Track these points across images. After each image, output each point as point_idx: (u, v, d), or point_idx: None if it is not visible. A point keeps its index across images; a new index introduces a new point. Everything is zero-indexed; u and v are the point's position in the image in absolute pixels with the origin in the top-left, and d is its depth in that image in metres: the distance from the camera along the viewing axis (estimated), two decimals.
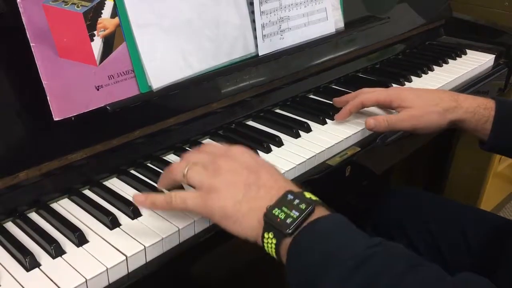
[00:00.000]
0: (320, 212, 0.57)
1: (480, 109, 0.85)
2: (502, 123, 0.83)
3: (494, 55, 1.30)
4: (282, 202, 0.57)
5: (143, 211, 0.68)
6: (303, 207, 0.56)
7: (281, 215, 0.56)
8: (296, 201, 0.57)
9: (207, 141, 0.87)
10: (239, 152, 0.64)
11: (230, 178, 0.60)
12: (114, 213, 0.67)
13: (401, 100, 0.87)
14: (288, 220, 0.55)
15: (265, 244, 0.57)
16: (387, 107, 0.92)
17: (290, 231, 0.55)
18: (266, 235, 0.57)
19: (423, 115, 0.85)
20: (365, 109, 0.93)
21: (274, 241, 0.56)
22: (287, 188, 0.59)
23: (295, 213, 0.56)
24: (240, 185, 0.59)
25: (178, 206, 0.61)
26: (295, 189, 0.60)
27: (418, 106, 0.86)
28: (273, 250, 0.57)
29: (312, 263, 0.53)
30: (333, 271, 0.52)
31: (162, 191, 0.69)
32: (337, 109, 0.96)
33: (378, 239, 0.55)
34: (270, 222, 0.56)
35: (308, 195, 0.58)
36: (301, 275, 0.55)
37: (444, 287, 0.50)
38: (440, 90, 0.92)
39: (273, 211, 0.57)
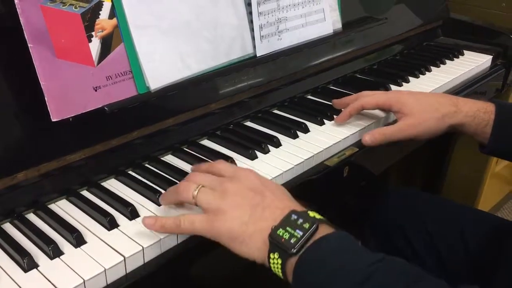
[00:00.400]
0: (324, 230, 0.57)
1: (480, 113, 0.85)
2: (502, 126, 0.83)
3: (492, 56, 1.30)
4: (286, 222, 0.58)
5: (141, 212, 0.68)
6: (307, 226, 0.57)
7: (286, 235, 0.57)
8: (300, 220, 0.58)
9: (205, 141, 0.87)
10: (245, 174, 0.65)
11: (236, 200, 0.61)
12: (112, 214, 0.67)
13: (401, 104, 0.86)
14: (293, 240, 0.56)
15: (271, 265, 0.58)
16: (386, 111, 0.92)
17: (294, 250, 0.55)
18: (271, 256, 0.57)
19: (422, 122, 0.85)
20: (364, 110, 0.94)
21: (279, 261, 0.57)
22: (291, 208, 0.60)
23: (299, 233, 0.56)
24: (246, 207, 0.60)
25: (186, 229, 0.62)
26: (299, 208, 0.61)
27: (416, 113, 0.85)
28: (279, 271, 0.57)
29: (317, 282, 0.54)
30: None
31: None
32: (335, 110, 0.96)
33: (381, 255, 0.55)
34: (275, 243, 0.57)
35: (312, 214, 0.59)
36: None
37: None
38: (439, 94, 0.92)
39: (278, 232, 0.57)
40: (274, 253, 0.57)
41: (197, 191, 0.62)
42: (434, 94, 0.91)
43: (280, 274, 0.58)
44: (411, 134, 0.86)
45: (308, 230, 0.56)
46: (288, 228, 0.57)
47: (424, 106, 0.85)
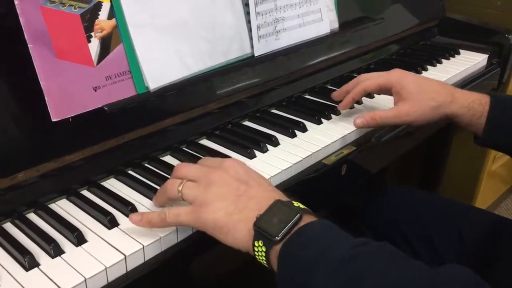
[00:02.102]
0: (308, 219, 0.58)
1: (474, 105, 0.85)
2: (496, 118, 0.84)
3: (487, 55, 1.31)
4: (271, 211, 0.59)
5: (140, 210, 0.68)
6: (291, 215, 0.58)
7: (270, 223, 0.57)
8: (285, 209, 0.58)
9: (204, 141, 0.88)
10: (231, 164, 0.65)
11: (221, 190, 0.61)
12: (112, 212, 0.67)
13: (401, 86, 0.87)
14: (277, 228, 0.57)
15: (256, 253, 0.58)
16: (386, 91, 0.92)
17: (278, 238, 0.56)
18: (256, 244, 0.58)
19: (417, 110, 0.85)
20: (359, 107, 0.94)
21: (263, 249, 0.57)
22: (276, 198, 0.61)
23: (283, 221, 0.57)
24: (231, 196, 0.61)
25: (172, 222, 0.62)
26: (284, 198, 0.61)
27: (413, 99, 0.86)
28: (264, 258, 0.58)
29: (301, 266, 0.55)
30: (320, 271, 0.53)
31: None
32: (333, 109, 0.97)
33: (365, 239, 0.56)
34: (259, 231, 0.58)
35: (296, 204, 0.60)
36: (291, 280, 0.56)
37: (427, 279, 0.51)
38: (439, 82, 0.91)
39: (262, 220, 0.58)
40: (258, 241, 0.58)
41: (181, 186, 0.63)
42: (435, 81, 0.91)
43: (265, 262, 0.58)
44: (404, 120, 0.87)
45: (292, 218, 0.57)
46: (272, 217, 0.58)
47: (422, 93, 0.86)
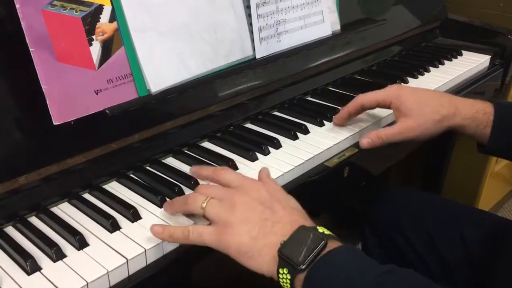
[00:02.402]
0: (333, 244, 0.58)
1: (479, 115, 0.84)
2: (501, 128, 0.83)
3: (490, 56, 1.31)
4: (295, 237, 0.58)
5: (142, 214, 0.68)
6: (316, 242, 0.57)
7: (295, 250, 0.57)
8: (309, 236, 0.58)
9: (205, 144, 0.88)
10: (255, 186, 0.65)
11: (245, 213, 0.61)
12: (114, 216, 0.67)
13: (400, 102, 0.85)
14: (302, 256, 0.56)
15: (281, 280, 0.58)
16: (386, 107, 0.91)
17: (303, 266, 0.56)
18: (281, 271, 0.57)
19: (420, 125, 0.84)
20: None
21: (288, 276, 0.57)
22: (300, 223, 0.60)
23: (308, 249, 0.56)
24: (255, 220, 0.60)
25: (194, 240, 0.62)
26: (309, 223, 0.61)
27: (415, 115, 0.84)
28: (289, 286, 0.57)
29: None
30: None
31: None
32: (335, 111, 0.96)
33: (391, 266, 0.56)
34: (284, 258, 0.57)
35: (321, 229, 0.59)
36: None
37: None
38: (440, 93, 0.90)
39: (287, 247, 0.57)
40: (283, 269, 0.57)
41: (205, 203, 0.62)
42: (435, 93, 0.90)
43: None
44: (409, 136, 0.85)
45: (317, 246, 0.56)
46: (297, 244, 0.57)
47: (423, 108, 0.84)
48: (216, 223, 0.61)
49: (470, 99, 0.89)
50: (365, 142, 0.86)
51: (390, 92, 0.88)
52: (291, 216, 0.61)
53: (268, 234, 0.59)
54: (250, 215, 0.60)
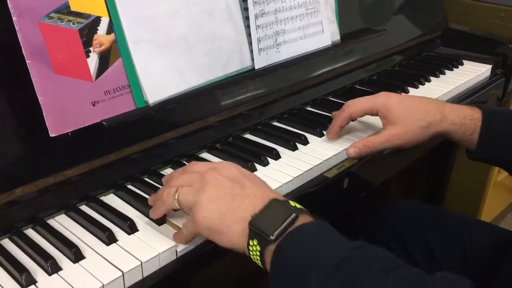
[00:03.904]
0: (304, 219, 0.58)
1: (466, 121, 0.84)
2: (489, 134, 0.83)
3: (491, 65, 1.30)
4: (266, 210, 0.58)
5: (139, 226, 0.68)
6: (287, 214, 0.57)
7: (265, 222, 0.57)
8: (280, 208, 0.58)
9: (204, 154, 0.87)
10: (225, 166, 0.65)
11: (214, 192, 0.61)
12: (111, 228, 0.67)
13: (387, 110, 0.85)
14: (272, 227, 0.56)
15: (251, 252, 0.58)
16: (374, 115, 0.90)
17: (273, 237, 0.56)
18: (251, 243, 0.57)
19: (407, 132, 0.84)
20: (362, 119, 0.93)
21: (258, 248, 0.57)
22: (271, 197, 0.60)
23: (279, 220, 0.57)
24: (225, 197, 0.60)
25: (187, 234, 0.63)
26: (280, 198, 0.61)
27: (402, 122, 0.84)
28: (258, 258, 0.57)
29: (295, 267, 0.54)
30: (315, 273, 0.52)
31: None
32: None
33: (360, 242, 0.56)
34: (254, 230, 0.57)
35: (292, 203, 0.59)
36: (284, 280, 0.55)
37: (424, 286, 0.50)
38: (427, 100, 0.89)
39: (257, 219, 0.58)
40: (253, 240, 0.57)
41: (177, 194, 0.62)
42: (421, 99, 0.89)
43: (259, 262, 0.58)
44: (396, 144, 0.85)
45: (288, 217, 0.57)
46: (268, 216, 0.57)
47: (409, 115, 0.84)
48: (190, 209, 0.62)
49: (458, 105, 0.88)
50: (351, 151, 0.85)
51: (376, 100, 0.88)
52: (262, 191, 0.62)
53: (238, 209, 0.59)
54: (220, 192, 0.61)
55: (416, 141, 0.85)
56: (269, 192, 0.62)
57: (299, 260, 0.54)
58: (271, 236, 0.56)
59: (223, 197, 0.60)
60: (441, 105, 0.86)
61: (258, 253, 0.57)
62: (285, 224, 0.56)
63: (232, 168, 0.64)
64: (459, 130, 0.84)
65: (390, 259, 0.54)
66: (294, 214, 0.57)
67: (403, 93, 0.91)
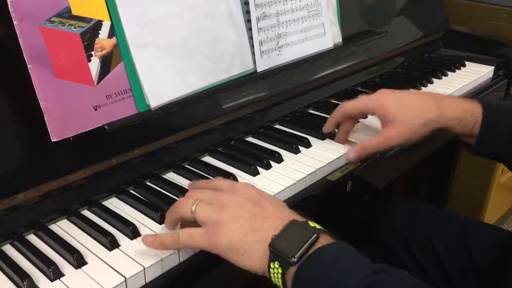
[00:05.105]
0: (325, 240, 0.57)
1: (466, 115, 0.83)
2: (489, 128, 0.82)
3: (493, 67, 1.30)
4: (286, 231, 0.58)
5: (142, 231, 0.67)
6: (308, 236, 0.56)
7: (286, 244, 0.56)
8: (301, 230, 0.57)
9: (206, 158, 0.87)
10: (243, 187, 0.65)
11: (235, 211, 0.60)
12: (113, 233, 0.66)
13: (384, 110, 0.84)
14: (293, 249, 0.56)
15: (272, 275, 0.57)
16: (369, 114, 0.90)
17: (295, 259, 0.55)
18: (272, 265, 0.57)
19: (405, 130, 0.83)
20: (364, 121, 0.93)
21: (279, 270, 0.56)
22: (291, 218, 0.59)
23: (299, 242, 0.56)
24: (245, 217, 0.60)
25: (185, 243, 0.61)
26: (299, 218, 0.60)
27: (399, 121, 0.83)
28: (280, 280, 0.57)
29: None
30: None
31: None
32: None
33: (382, 265, 0.55)
34: (275, 252, 0.56)
35: (312, 224, 0.59)
36: None
37: None
38: (424, 95, 0.88)
39: (278, 241, 0.57)
40: (274, 262, 0.56)
41: (195, 206, 0.62)
42: (418, 95, 0.88)
43: (280, 284, 0.57)
44: (394, 144, 0.84)
45: (309, 239, 0.56)
46: (288, 237, 0.57)
47: (406, 113, 0.83)
48: (206, 224, 0.61)
49: (458, 99, 0.87)
50: (350, 155, 0.85)
51: (372, 100, 0.86)
52: (281, 212, 0.61)
53: (259, 229, 0.59)
54: (240, 213, 0.60)
55: (415, 139, 0.84)
56: (288, 213, 0.62)
57: (321, 284, 0.54)
58: (292, 258, 0.55)
59: (243, 217, 0.60)
60: (439, 100, 0.85)
61: (279, 275, 0.56)
62: (306, 245, 0.56)
63: (249, 189, 0.64)
64: (458, 124, 0.83)
65: (410, 283, 0.54)
66: (315, 235, 0.56)
67: (399, 90, 0.90)
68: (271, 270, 0.57)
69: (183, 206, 0.63)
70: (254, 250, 0.58)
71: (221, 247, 0.59)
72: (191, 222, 0.63)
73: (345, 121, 0.90)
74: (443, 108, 0.83)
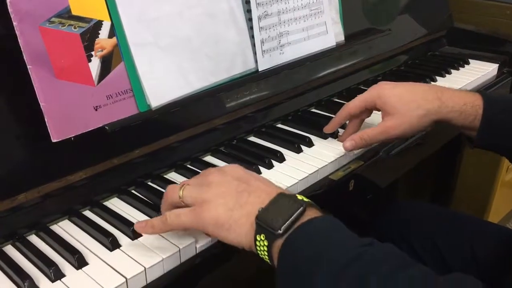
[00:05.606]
0: (312, 213, 0.57)
1: (467, 107, 0.81)
2: (490, 121, 0.81)
3: (498, 64, 1.29)
4: (273, 204, 0.58)
5: None
6: (295, 208, 0.56)
7: (272, 216, 0.56)
8: (288, 202, 0.57)
9: (208, 158, 0.87)
10: (230, 167, 0.65)
11: (220, 189, 0.61)
12: (114, 234, 0.66)
13: (383, 102, 0.83)
14: (279, 221, 0.55)
15: (258, 248, 0.57)
16: (372, 108, 0.88)
17: (281, 231, 0.55)
18: (258, 238, 0.57)
19: (405, 121, 0.82)
20: (371, 119, 0.92)
21: (265, 243, 0.56)
22: (278, 191, 0.60)
23: (286, 214, 0.56)
24: (231, 193, 0.60)
25: (173, 223, 0.62)
26: (287, 192, 0.60)
27: (398, 112, 0.82)
28: (265, 253, 0.57)
29: (303, 263, 0.53)
30: (324, 270, 0.52)
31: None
32: None
33: (370, 239, 0.55)
34: (261, 224, 0.56)
35: (300, 197, 0.59)
36: (291, 276, 0.54)
37: (434, 286, 0.49)
38: (424, 86, 0.87)
39: (264, 213, 0.57)
40: (260, 235, 0.56)
41: (181, 191, 0.62)
42: (418, 86, 0.87)
43: (266, 257, 0.57)
44: (393, 135, 0.83)
45: (296, 211, 0.56)
46: (275, 210, 0.57)
47: (406, 104, 0.82)
48: (193, 204, 0.61)
49: (459, 91, 0.86)
50: (348, 144, 0.84)
51: (371, 92, 0.86)
52: (268, 187, 0.61)
53: (244, 204, 0.59)
54: (226, 190, 0.60)
55: (415, 130, 0.83)
56: (276, 188, 0.62)
57: (307, 257, 0.53)
58: (278, 230, 0.55)
59: (229, 193, 0.60)
60: (439, 91, 0.84)
61: (265, 248, 0.56)
62: (292, 217, 0.55)
63: (236, 168, 0.65)
64: (459, 117, 0.82)
65: (399, 256, 0.53)
66: (301, 208, 0.56)
67: (399, 82, 0.90)
68: (257, 243, 0.57)
69: (172, 192, 0.64)
70: (240, 224, 0.58)
71: (207, 223, 0.59)
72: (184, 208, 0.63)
73: (351, 122, 0.89)
74: (443, 99, 0.82)
